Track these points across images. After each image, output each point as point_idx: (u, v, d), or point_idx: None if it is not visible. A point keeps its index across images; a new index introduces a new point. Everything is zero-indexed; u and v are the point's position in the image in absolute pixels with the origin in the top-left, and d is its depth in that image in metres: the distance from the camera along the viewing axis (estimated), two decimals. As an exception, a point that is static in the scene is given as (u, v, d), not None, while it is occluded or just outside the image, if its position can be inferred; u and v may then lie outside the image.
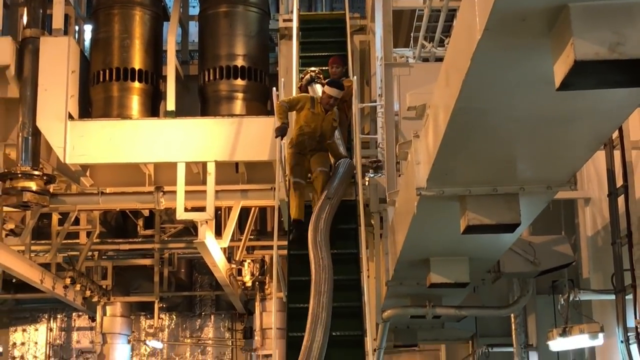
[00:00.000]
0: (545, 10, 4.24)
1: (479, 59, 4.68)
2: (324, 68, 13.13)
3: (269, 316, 21.67)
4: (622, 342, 8.95)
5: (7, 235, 18.39)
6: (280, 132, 11.07)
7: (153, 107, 16.03)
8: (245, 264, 21.87)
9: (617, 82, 4.42)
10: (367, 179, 11.59)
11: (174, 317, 25.37)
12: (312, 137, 11.20)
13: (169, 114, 15.23)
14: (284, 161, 11.61)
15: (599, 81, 4.40)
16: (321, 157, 11.36)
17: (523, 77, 4.93)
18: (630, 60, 4.21)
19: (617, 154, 9.50)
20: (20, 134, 14.80)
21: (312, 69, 13.00)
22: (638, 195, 9.21)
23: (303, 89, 12.77)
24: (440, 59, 12.58)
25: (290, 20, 14.78)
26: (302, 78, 12.99)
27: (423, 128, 6.92)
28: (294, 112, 11.47)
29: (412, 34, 13.43)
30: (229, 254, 20.04)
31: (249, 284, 22.14)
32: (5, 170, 15.06)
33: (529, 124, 5.72)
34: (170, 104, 15.20)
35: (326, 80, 11.84)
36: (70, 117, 14.65)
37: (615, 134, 9.15)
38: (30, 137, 14.77)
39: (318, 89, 12.46)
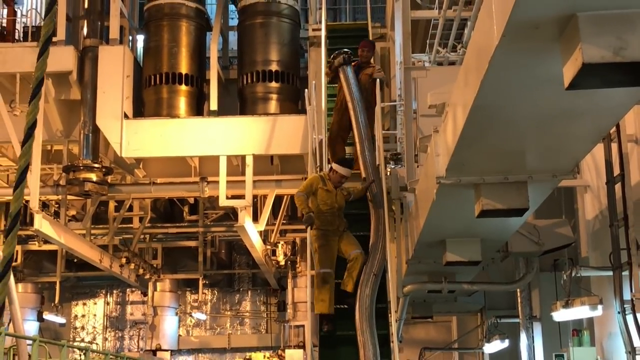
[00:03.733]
0: (556, 19, 4.25)
1: (496, 61, 4.69)
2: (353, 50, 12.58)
3: (301, 291, 21.69)
4: (619, 313, 8.93)
5: (69, 220, 18.53)
6: (309, 221, 9.94)
7: (198, 107, 16.09)
8: (279, 245, 21.88)
9: (620, 82, 4.43)
10: (389, 169, 11.57)
11: (216, 292, 25.44)
12: (332, 212, 10.13)
13: (212, 113, 15.30)
14: (312, 244, 10.29)
15: (604, 81, 4.41)
16: (351, 239, 10.23)
17: (535, 78, 4.94)
18: (632, 62, 4.22)
19: (613, 146, 9.48)
20: (81, 131, 14.93)
21: (345, 50, 12.32)
22: (633, 182, 9.19)
23: (333, 70, 12.17)
24: (452, 63, 12.59)
25: (319, 29, 14.80)
26: (333, 60, 12.23)
27: (442, 123, 6.94)
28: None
29: (427, 41, 13.41)
30: (265, 236, 20.07)
31: (282, 262, 22.16)
32: (69, 163, 15.19)
33: (538, 119, 5.73)
34: (213, 104, 15.29)
35: (335, 162, 10.62)
36: (126, 116, 14.75)
37: (613, 129, 9.12)
38: (90, 134, 14.89)
39: (349, 71, 11.98)
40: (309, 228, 10.09)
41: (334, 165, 10.29)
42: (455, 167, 6.84)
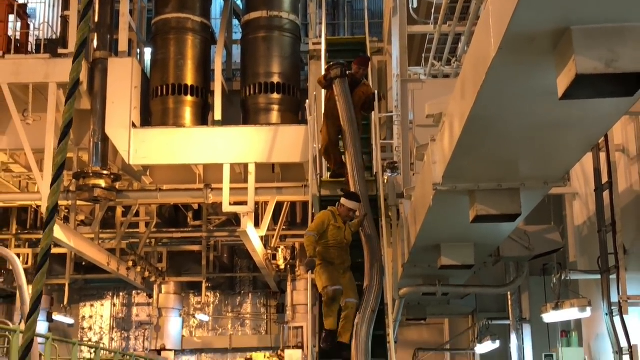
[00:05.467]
0: (551, 32, 4.26)
1: (493, 73, 4.70)
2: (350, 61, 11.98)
3: (300, 294, 21.67)
4: (606, 314, 8.94)
5: (78, 225, 18.51)
6: (310, 265, 9.62)
7: (203, 117, 16.14)
8: (279, 250, 21.88)
9: (611, 92, 4.44)
10: (386, 177, 11.55)
11: (218, 294, 25.40)
12: (340, 247, 9.70)
13: (216, 123, 15.35)
14: (316, 277, 9.81)
15: (596, 92, 4.41)
16: (351, 284, 9.70)
17: (529, 89, 4.95)
18: (623, 74, 4.22)
19: (602, 155, 9.50)
20: (91, 140, 14.95)
21: (342, 62, 11.62)
22: (621, 190, 9.21)
23: (328, 80, 11.46)
24: (447, 76, 12.60)
25: (319, 43, 14.83)
26: (329, 70, 11.56)
27: (439, 133, 6.94)
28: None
29: (423, 55, 13.42)
30: (265, 241, 20.07)
31: (282, 266, 22.16)
32: (79, 170, 15.20)
33: (531, 129, 5.72)
34: (217, 114, 15.33)
35: (342, 195, 10.14)
36: (134, 125, 14.78)
37: (601, 139, 9.15)
38: (99, 142, 14.92)
39: (344, 86, 11.28)
40: (309, 272, 9.76)
41: (342, 200, 9.84)
42: (451, 175, 6.84)
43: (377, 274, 9.73)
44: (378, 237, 10.19)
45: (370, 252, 9.96)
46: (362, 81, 11.63)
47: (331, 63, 11.89)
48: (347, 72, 11.43)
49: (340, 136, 11.41)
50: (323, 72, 12.32)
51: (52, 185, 2.48)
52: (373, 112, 11.84)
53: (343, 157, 11.39)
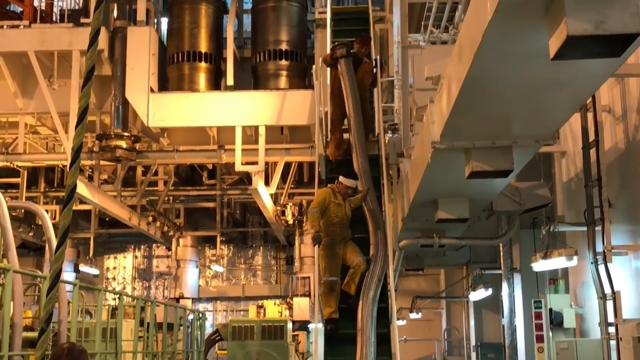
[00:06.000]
0: (544, -4, 4.20)
1: (489, 36, 4.65)
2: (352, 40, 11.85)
3: (306, 247, 21.75)
4: (592, 263, 8.95)
5: (102, 183, 18.56)
6: (317, 240, 9.43)
7: (216, 82, 16.05)
8: (288, 206, 21.92)
9: (600, 53, 4.39)
10: (387, 138, 11.51)
11: (231, 247, 25.53)
12: (342, 223, 9.63)
13: (229, 88, 15.27)
14: (319, 252, 9.71)
15: (585, 53, 4.36)
16: (354, 247, 9.69)
17: (523, 51, 4.90)
18: (611, 35, 4.17)
19: (589, 115, 9.44)
20: (112, 104, 14.92)
21: (346, 42, 11.56)
22: (607, 147, 9.17)
23: (333, 59, 11.35)
24: (444, 42, 12.47)
25: (325, 12, 14.66)
26: (335, 50, 11.41)
27: (437, 94, 6.89)
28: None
29: (422, 22, 13.27)
30: (275, 198, 20.10)
31: (290, 222, 22.19)
32: (102, 132, 15.20)
33: (524, 89, 5.68)
34: (230, 80, 15.24)
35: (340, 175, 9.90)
36: (152, 90, 14.72)
37: (589, 99, 9.08)
38: (120, 106, 14.88)
39: (349, 65, 11.21)
40: (316, 246, 9.62)
41: (340, 178, 9.72)
42: (448, 134, 6.80)
43: (382, 245, 9.71)
44: (380, 211, 10.12)
45: (374, 224, 9.93)
46: (364, 60, 11.52)
47: (336, 43, 11.79)
48: (351, 53, 11.30)
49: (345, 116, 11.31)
50: (328, 51, 12.17)
51: (76, 127, 2.46)
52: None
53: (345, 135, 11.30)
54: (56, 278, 2.47)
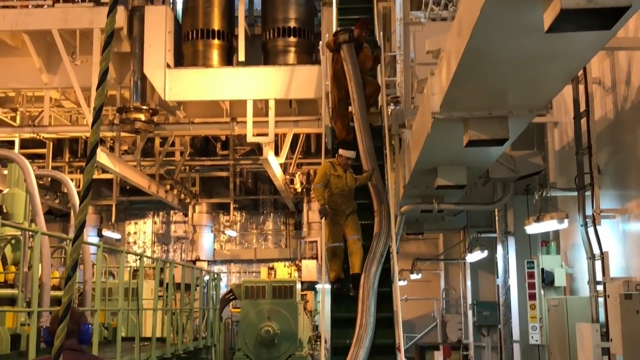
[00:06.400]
0: (539, -29, 4.16)
1: (486, 11, 4.62)
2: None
3: (314, 213, 21.79)
4: (581, 226, 8.94)
5: (122, 154, 18.60)
6: (323, 212, 9.50)
7: (228, 58, 15.99)
8: (296, 175, 21.93)
9: (592, 26, 4.36)
10: (389, 110, 11.48)
11: (244, 214, 25.59)
12: (343, 194, 9.67)
13: (240, 64, 15.20)
14: (326, 217, 9.69)
15: (578, 25, 4.33)
16: (354, 224, 9.74)
17: (519, 24, 4.85)
18: (602, 9, 4.13)
19: (580, 87, 9.38)
20: (131, 79, 14.91)
21: (349, 28, 11.49)
22: (597, 118, 9.12)
23: (337, 44, 11.24)
24: (444, 19, 12.36)
25: (331, -9, 14.53)
26: (338, 35, 11.36)
27: (437, 67, 6.86)
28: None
29: (423, 0, 13.16)
30: (284, 168, 20.13)
31: (299, 190, 22.22)
32: (122, 106, 15.20)
33: (519, 62, 5.63)
34: (241, 56, 15.17)
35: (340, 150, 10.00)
36: (168, 66, 14.68)
37: (580, 72, 9.02)
38: (139, 81, 14.86)
39: (351, 50, 11.10)
40: (323, 218, 9.64)
41: (340, 151, 9.83)
42: (447, 104, 6.77)
43: (385, 222, 9.74)
44: (385, 189, 10.09)
45: (379, 202, 9.97)
46: (364, 45, 11.37)
47: (339, 29, 11.70)
48: (353, 38, 11.16)
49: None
50: (332, 32, 12.06)
51: (97, 88, 2.47)
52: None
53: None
54: (81, 228, 2.50)
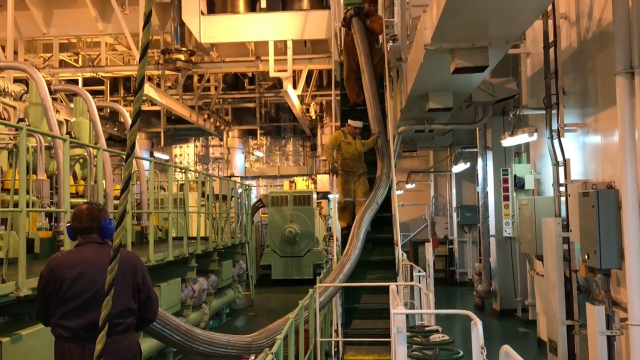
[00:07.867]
0: None
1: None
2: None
3: (326, 137, 21.76)
4: (548, 138, 8.86)
5: (167, 89, 18.51)
6: (333, 171, 9.52)
7: (252, 5, 15.66)
8: (311, 105, 21.80)
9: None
10: (389, 46, 11.23)
11: (269, 138, 25.59)
12: (353, 158, 9.58)
13: (262, 10, 14.89)
14: (336, 175, 9.67)
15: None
16: (363, 186, 9.60)
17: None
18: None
19: (549, 22, 9.11)
20: (172, 24, 14.67)
21: (354, 5, 11.32)
22: (563, 47, 8.87)
23: (347, 21, 11.10)
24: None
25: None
26: (346, 13, 11.19)
27: (429, 5, 6.67)
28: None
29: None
30: (301, 99, 19.97)
31: (314, 117, 22.16)
32: (165, 48, 15.01)
33: (498, -3, 5.46)
34: (263, 3, 14.85)
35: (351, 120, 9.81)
36: (202, 13, 14.40)
37: (549, 7, 8.75)
38: (178, 27, 14.65)
39: (360, 24, 10.93)
40: (334, 176, 9.67)
41: (349, 122, 9.70)
42: (437, 37, 6.61)
43: (384, 178, 9.71)
44: (388, 152, 9.91)
45: (381, 156, 9.96)
46: (372, 15, 11.06)
47: (348, 8, 11.35)
48: (361, 10, 10.97)
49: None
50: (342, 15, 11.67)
51: (143, 28, 2.41)
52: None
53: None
54: (132, 148, 2.50)
